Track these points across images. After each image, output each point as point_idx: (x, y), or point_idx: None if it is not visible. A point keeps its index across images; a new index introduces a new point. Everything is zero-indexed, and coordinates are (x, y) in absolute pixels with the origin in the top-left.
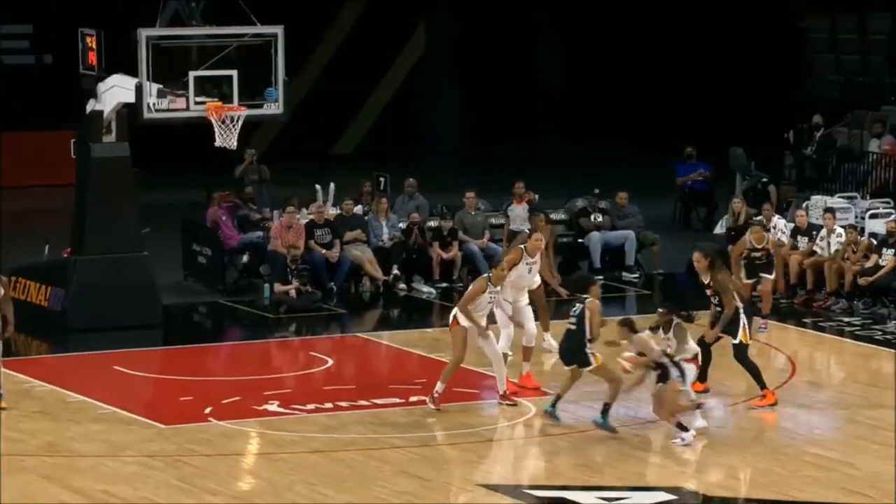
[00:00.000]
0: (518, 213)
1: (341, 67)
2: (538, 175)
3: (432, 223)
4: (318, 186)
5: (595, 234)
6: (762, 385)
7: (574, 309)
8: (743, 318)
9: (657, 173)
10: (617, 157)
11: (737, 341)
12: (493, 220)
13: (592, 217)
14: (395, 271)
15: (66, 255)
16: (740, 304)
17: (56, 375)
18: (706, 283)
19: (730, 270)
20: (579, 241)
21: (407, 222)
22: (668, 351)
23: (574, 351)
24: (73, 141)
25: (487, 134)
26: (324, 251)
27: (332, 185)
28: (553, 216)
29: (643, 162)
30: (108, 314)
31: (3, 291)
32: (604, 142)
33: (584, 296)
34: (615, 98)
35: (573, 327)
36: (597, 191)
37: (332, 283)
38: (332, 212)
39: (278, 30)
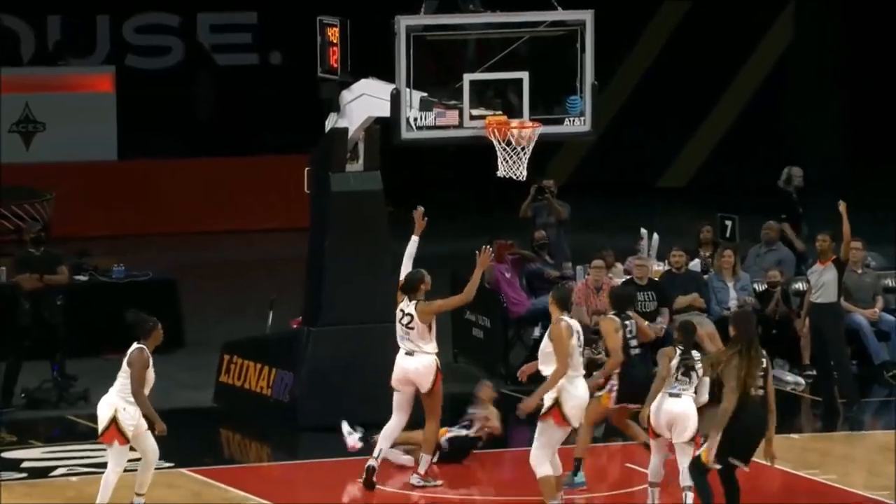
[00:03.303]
0: (823, 276)
1: (670, 69)
2: None
3: (800, 285)
4: (643, 231)
5: None
6: None
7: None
8: None
9: None
10: None
11: None
12: (890, 282)
13: None
14: None
15: (295, 326)
16: None
17: (283, 491)
18: None
19: None
20: None
21: (764, 283)
22: None
23: None
24: (306, 170)
25: (884, 157)
26: (646, 323)
27: (655, 236)
28: None
29: None
30: (352, 406)
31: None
32: None
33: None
34: None
35: None
36: None
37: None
38: (658, 268)
39: (587, 16)
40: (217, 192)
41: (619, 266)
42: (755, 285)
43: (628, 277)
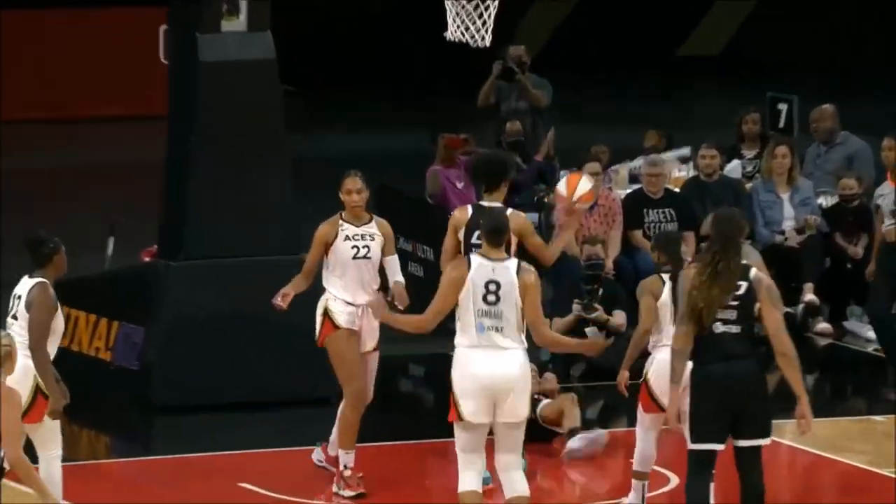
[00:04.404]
0: (891, 196)
1: None
2: None
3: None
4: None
5: None
6: None
7: None
8: None
9: None
10: None
11: None
12: None
13: None
14: (810, 295)
15: (147, 259)
16: None
17: (128, 497)
18: None
19: None
20: None
21: (834, 195)
22: None
23: None
24: (162, 29)
25: None
26: None
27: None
28: None
29: None
30: (229, 378)
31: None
32: None
33: None
34: None
35: None
36: None
37: None
38: (680, 174)
39: None
40: (29, 62)
41: (622, 171)
42: (821, 199)
43: (637, 187)
